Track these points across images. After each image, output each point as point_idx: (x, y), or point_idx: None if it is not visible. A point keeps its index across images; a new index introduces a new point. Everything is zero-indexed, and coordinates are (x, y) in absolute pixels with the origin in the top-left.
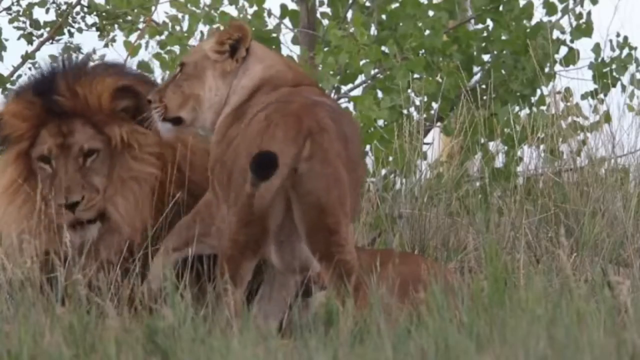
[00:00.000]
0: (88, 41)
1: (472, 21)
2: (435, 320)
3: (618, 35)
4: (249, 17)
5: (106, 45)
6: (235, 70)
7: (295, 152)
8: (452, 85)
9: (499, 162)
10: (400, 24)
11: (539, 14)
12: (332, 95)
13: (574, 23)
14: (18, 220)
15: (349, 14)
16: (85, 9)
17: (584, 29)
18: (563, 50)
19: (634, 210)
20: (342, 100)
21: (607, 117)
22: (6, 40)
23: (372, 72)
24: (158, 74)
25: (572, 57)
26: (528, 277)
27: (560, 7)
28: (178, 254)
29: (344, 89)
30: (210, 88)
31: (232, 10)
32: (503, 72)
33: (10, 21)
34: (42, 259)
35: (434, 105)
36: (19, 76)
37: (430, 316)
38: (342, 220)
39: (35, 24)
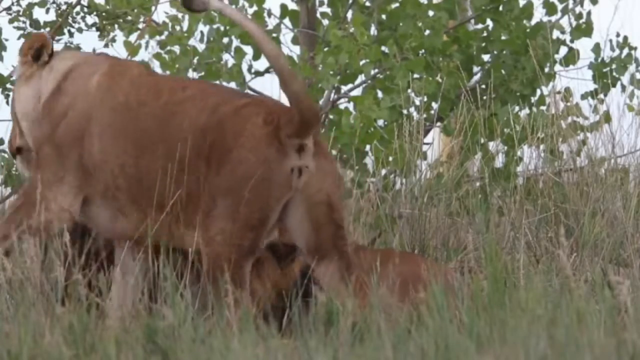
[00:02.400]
0: (88, 41)
1: (472, 21)
2: (435, 320)
3: (618, 35)
4: (249, 17)
5: (106, 45)
6: (40, 72)
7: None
8: (452, 85)
9: (499, 162)
10: (400, 24)
11: (539, 14)
12: (332, 95)
13: (574, 23)
14: None
15: (349, 14)
16: (85, 9)
17: (584, 29)
18: (563, 50)
19: (634, 210)
20: (342, 100)
21: (607, 117)
22: (6, 40)
23: (372, 72)
24: None
25: (572, 57)
26: (528, 277)
27: (560, 7)
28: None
29: (344, 89)
30: (20, 100)
31: None
32: (503, 72)
33: (10, 21)
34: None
35: (434, 105)
36: None
37: (430, 316)
38: (344, 215)
39: (35, 24)
